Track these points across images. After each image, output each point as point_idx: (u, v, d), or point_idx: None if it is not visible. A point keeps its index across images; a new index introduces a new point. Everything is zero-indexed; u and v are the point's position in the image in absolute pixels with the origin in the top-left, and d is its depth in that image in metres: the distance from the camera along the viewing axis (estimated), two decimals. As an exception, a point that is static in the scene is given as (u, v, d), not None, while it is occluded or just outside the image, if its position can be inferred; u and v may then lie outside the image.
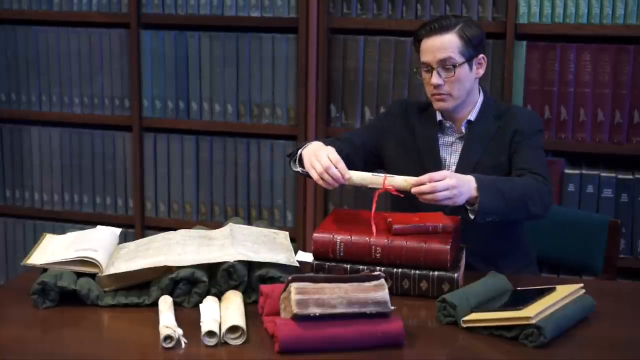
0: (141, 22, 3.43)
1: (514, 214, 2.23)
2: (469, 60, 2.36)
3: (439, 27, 2.35)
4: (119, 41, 3.47)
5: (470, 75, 2.38)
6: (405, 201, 2.24)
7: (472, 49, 2.36)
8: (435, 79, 2.35)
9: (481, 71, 2.42)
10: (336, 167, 2.17)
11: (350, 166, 2.36)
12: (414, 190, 2.09)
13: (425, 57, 2.37)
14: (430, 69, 2.37)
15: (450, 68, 2.34)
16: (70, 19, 3.51)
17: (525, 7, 3.06)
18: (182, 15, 3.39)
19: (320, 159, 2.20)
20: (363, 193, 3.27)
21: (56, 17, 3.52)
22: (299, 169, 2.35)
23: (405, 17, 3.19)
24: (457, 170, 2.40)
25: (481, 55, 2.41)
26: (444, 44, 2.34)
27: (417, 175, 2.30)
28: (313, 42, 3.27)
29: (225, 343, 1.82)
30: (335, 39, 3.26)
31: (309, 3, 3.25)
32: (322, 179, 2.19)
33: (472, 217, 2.16)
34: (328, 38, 3.25)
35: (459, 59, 2.34)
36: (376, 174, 2.19)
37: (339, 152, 2.37)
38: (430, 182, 2.07)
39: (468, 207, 2.16)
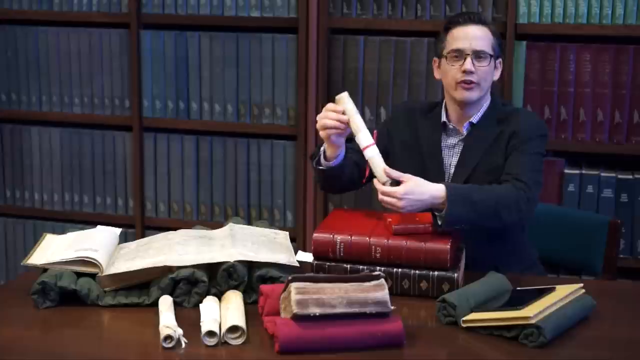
0: (141, 22, 3.43)
1: (485, 223, 2.23)
2: (496, 58, 2.39)
3: (477, 18, 2.38)
4: (119, 41, 3.47)
5: (493, 73, 2.40)
6: None
7: (498, 48, 2.40)
8: (468, 65, 2.33)
9: (498, 74, 2.43)
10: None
11: (360, 172, 2.38)
12: (376, 186, 2.18)
13: (460, 44, 2.35)
14: (462, 56, 2.35)
15: (486, 57, 2.34)
16: (70, 19, 3.51)
17: (525, 7, 3.06)
18: (182, 15, 3.39)
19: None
20: (363, 193, 3.27)
21: (56, 17, 3.52)
22: (323, 167, 2.36)
23: (405, 17, 3.19)
24: (455, 173, 2.40)
25: (500, 59, 2.42)
26: (482, 34, 2.36)
27: (420, 176, 2.32)
28: (313, 42, 3.27)
29: (225, 343, 1.82)
30: (335, 39, 3.26)
31: (309, 3, 3.25)
32: (327, 126, 2.25)
33: (439, 223, 2.16)
34: (328, 38, 3.25)
35: (491, 52, 2.36)
36: (368, 136, 2.22)
37: (347, 159, 2.38)
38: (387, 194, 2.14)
39: (437, 214, 2.17)
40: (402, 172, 2.34)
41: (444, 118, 2.45)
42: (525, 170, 2.30)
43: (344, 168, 2.39)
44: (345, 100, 2.24)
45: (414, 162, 2.45)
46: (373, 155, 2.20)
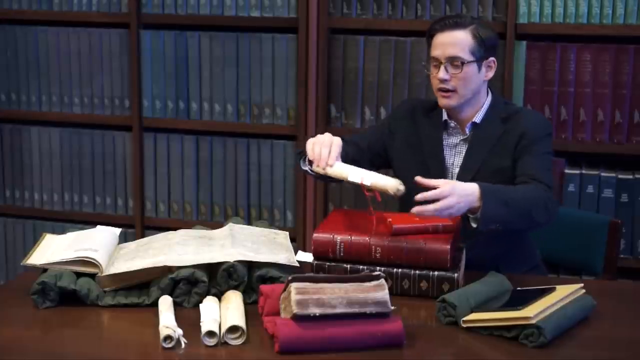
0: (141, 22, 3.43)
1: (518, 223, 2.21)
2: (478, 60, 2.35)
3: (454, 23, 2.35)
4: (119, 41, 3.47)
5: (478, 76, 2.37)
6: (406, 204, 2.24)
7: (483, 50, 2.35)
8: (441, 74, 2.34)
9: (490, 74, 2.40)
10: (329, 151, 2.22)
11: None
12: (418, 199, 2.08)
13: (435, 52, 2.36)
14: (438, 63, 2.36)
15: (458, 65, 2.33)
16: (70, 19, 3.51)
17: (525, 7, 3.06)
18: (182, 15, 3.39)
19: (322, 137, 2.26)
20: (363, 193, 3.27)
21: (56, 17, 3.52)
22: (307, 168, 2.34)
23: (405, 17, 3.19)
24: (460, 173, 2.39)
25: (492, 59, 2.39)
26: (456, 40, 2.33)
27: (421, 175, 2.30)
28: (313, 42, 3.27)
29: (225, 343, 1.82)
30: (335, 39, 3.26)
31: (309, 3, 3.25)
32: (313, 151, 2.24)
33: (474, 225, 2.14)
34: (328, 38, 3.25)
35: (468, 57, 2.33)
36: (363, 171, 2.19)
37: (344, 155, 2.39)
38: (424, 198, 2.06)
39: (470, 216, 2.14)
40: (404, 169, 2.34)
41: (445, 117, 2.45)
42: (543, 172, 2.29)
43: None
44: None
45: (415, 160, 2.45)
46: (375, 179, 2.15)
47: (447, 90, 2.36)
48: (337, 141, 2.26)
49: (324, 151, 2.22)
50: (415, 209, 2.05)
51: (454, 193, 2.06)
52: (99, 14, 3.47)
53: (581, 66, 3.04)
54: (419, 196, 2.06)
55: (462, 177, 2.38)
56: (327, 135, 2.28)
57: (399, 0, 3.18)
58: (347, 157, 2.43)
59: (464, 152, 2.42)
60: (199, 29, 3.40)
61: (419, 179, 2.10)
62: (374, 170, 2.55)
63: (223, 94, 3.41)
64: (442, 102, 2.39)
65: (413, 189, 2.23)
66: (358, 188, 3.23)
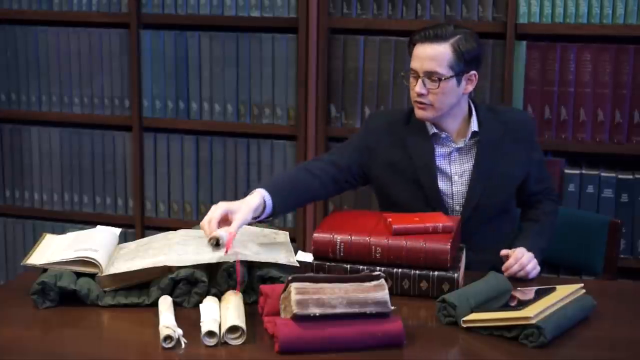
0: (141, 22, 3.43)
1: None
2: (457, 74, 2.31)
3: (434, 35, 2.30)
4: (119, 41, 3.47)
5: (456, 90, 2.33)
6: (400, 207, 2.27)
7: (463, 64, 2.31)
8: (419, 88, 2.32)
9: (470, 87, 2.37)
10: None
11: (337, 187, 2.43)
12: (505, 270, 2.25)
13: (414, 64, 2.33)
14: (416, 75, 2.33)
15: (436, 80, 2.30)
16: (70, 19, 3.51)
17: (525, 7, 3.05)
18: (182, 15, 3.39)
19: (204, 219, 2.13)
20: (363, 193, 3.27)
21: (56, 17, 3.52)
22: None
23: (405, 17, 3.18)
24: (471, 179, 2.39)
25: (472, 72, 2.35)
26: (434, 55, 2.29)
27: (412, 191, 2.34)
28: (313, 42, 3.27)
29: (225, 343, 1.82)
30: (335, 39, 3.26)
31: (309, 3, 3.25)
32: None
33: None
34: (328, 38, 3.25)
35: (446, 72, 2.29)
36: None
37: (324, 174, 2.38)
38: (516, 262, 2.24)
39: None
40: (391, 186, 2.41)
41: (434, 129, 2.41)
42: (549, 177, 2.57)
43: (289, 207, 2.40)
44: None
45: (403, 173, 2.42)
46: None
47: (424, 103, 2.34)
48: (215, 215, 2.11)
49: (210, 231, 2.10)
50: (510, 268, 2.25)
51: (527, 256, 2.26)
52: (99, 14, 3.47)
53: (581, 66, 3.04)
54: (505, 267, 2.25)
55: (472, 183, 2.38)
56: (210, 210, 2.14)
57: (399, 0, 3.18)
58: (327, 175, 2.39)
59: (459, 160, 2.40)
60: (199, 29, 3.40)
61: (504, 252, 2.28)
62: (351, 190, 2.58)
63: (223, 94, 3.41)
64: (418, 113, 2.37)
65: (409, 203, 2.26)
66: (353, 191, 3.23)
